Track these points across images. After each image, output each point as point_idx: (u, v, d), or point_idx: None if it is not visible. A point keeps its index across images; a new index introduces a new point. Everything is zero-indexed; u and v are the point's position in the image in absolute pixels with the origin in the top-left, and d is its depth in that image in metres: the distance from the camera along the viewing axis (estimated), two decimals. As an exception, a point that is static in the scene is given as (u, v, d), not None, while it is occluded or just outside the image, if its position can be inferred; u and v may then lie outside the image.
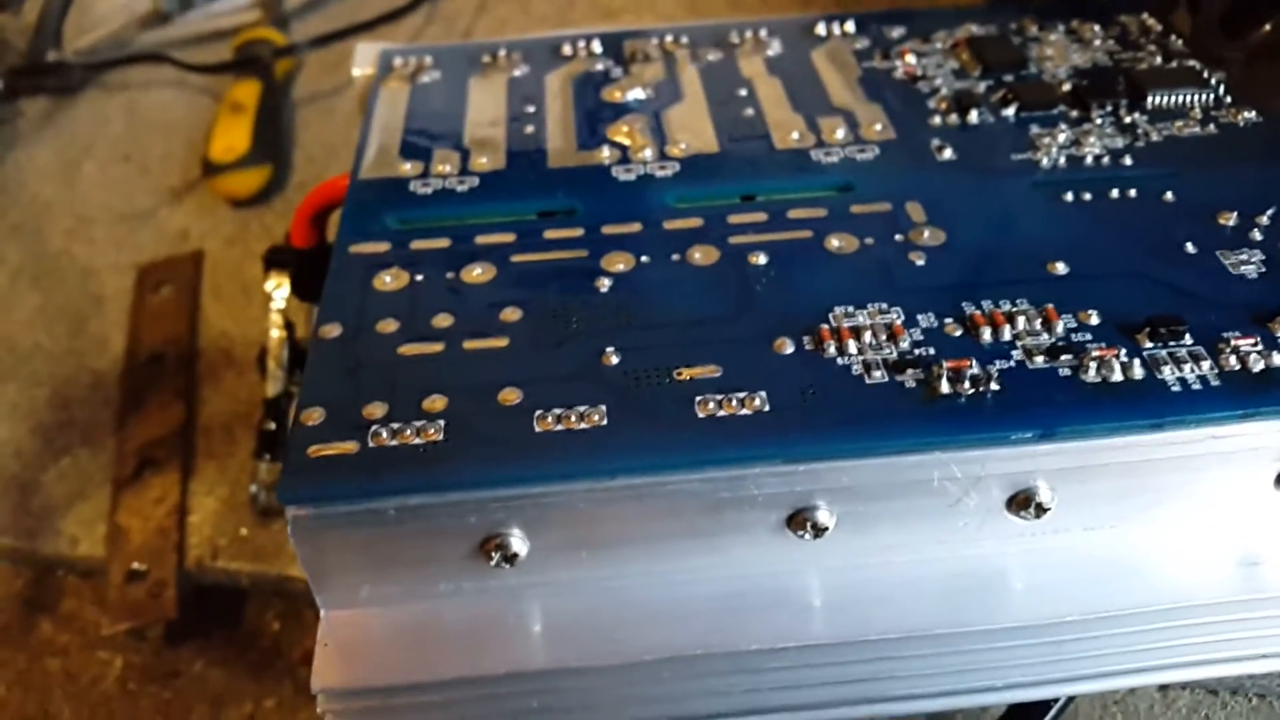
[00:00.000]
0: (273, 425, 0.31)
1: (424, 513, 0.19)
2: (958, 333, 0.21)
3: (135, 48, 0.53)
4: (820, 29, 0.33)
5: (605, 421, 0.20)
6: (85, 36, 0.54)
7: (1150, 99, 0.28)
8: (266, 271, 0.31)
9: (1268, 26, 0.38)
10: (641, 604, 0.20)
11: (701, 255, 0.24)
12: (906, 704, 0.21)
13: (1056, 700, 0.25)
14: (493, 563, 0.19)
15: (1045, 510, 0.20)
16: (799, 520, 0.20)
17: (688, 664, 0.20)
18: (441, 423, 0.20)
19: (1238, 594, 0.21)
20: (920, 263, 0.23)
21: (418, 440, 0.19)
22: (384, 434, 0.19)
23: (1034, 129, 0.27)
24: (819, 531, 0.20)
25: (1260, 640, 0.21)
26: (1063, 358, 0.20)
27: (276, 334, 0.31)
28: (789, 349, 0.21)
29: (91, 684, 0.32)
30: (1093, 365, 0.20)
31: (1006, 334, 0.21)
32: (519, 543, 0.19)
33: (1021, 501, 0.20)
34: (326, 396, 0.20)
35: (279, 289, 0.31)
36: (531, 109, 0.30)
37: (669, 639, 0.20)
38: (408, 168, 0.27)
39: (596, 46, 0.32)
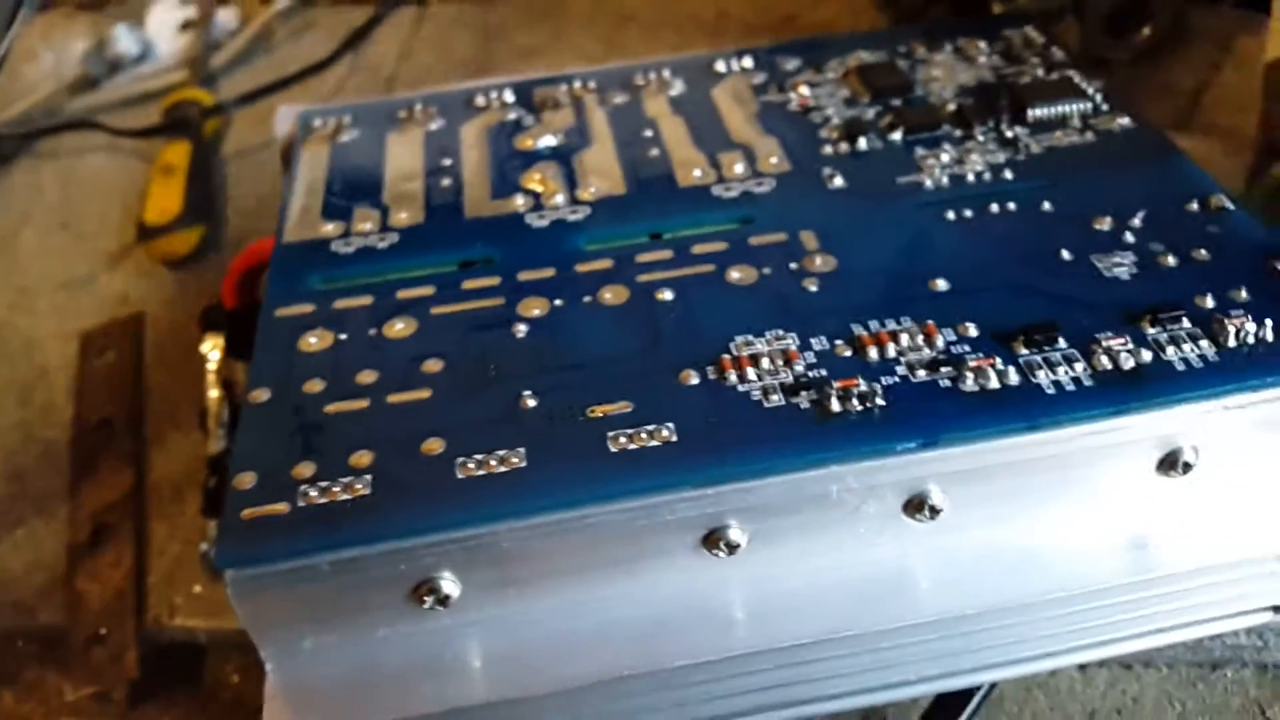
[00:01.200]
0: (215, 483, 0.32)
1: (356, 565, 0.20)
2: (847, 353, 0.22)
3: (65, 115, 0.54)
4: (720, 66, 0.34)
5: (524, 463, 0.21)
6: (14, 106, 0.54)
7: (1031, 112, 0.30)
8: (202, 333, 0.32)
9: (1147, 30, 0.40)
10: (571, 632, 0.21)
11: (612, 295, 0.25)
12: (828, 703, 0.22)
13: (979, 688, 0.26)
14: (426, 606, 0.20)
15: (938, 512, 0.21)
16: (713, 540, 0.21)
17: (618, 684, 0.21)
18: (368, 477, 0.21)
19: (1132, 576, 0.22)
20: (813, 289, 0.24)
21: (345, 496, 0.20)
22: (313, 493, 0.20)
23: (919, 151, 0.29)
24: (733, 549, 0.21)
25: (1155, 617, 0.23)
26: (942, 370, 0.22)
27: (215, 394, 0.31)
28: (694, 380, 0.22)
29: (58, 750, 0.32)
30: (970, 375, 0.21)
31: (891, 351, 0.22)
32: (450, 585, 0.20)
33: (916, 505, 0.21)
34: (257, 460, 0.21)
35: (214, 350, 0.32)
36: (448, 161, 0.31)
37: (599, 663, 0.21)
38: (330, 228, 0.28)
39: (509, 96, 0.34)
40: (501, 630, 0.21)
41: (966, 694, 0.27)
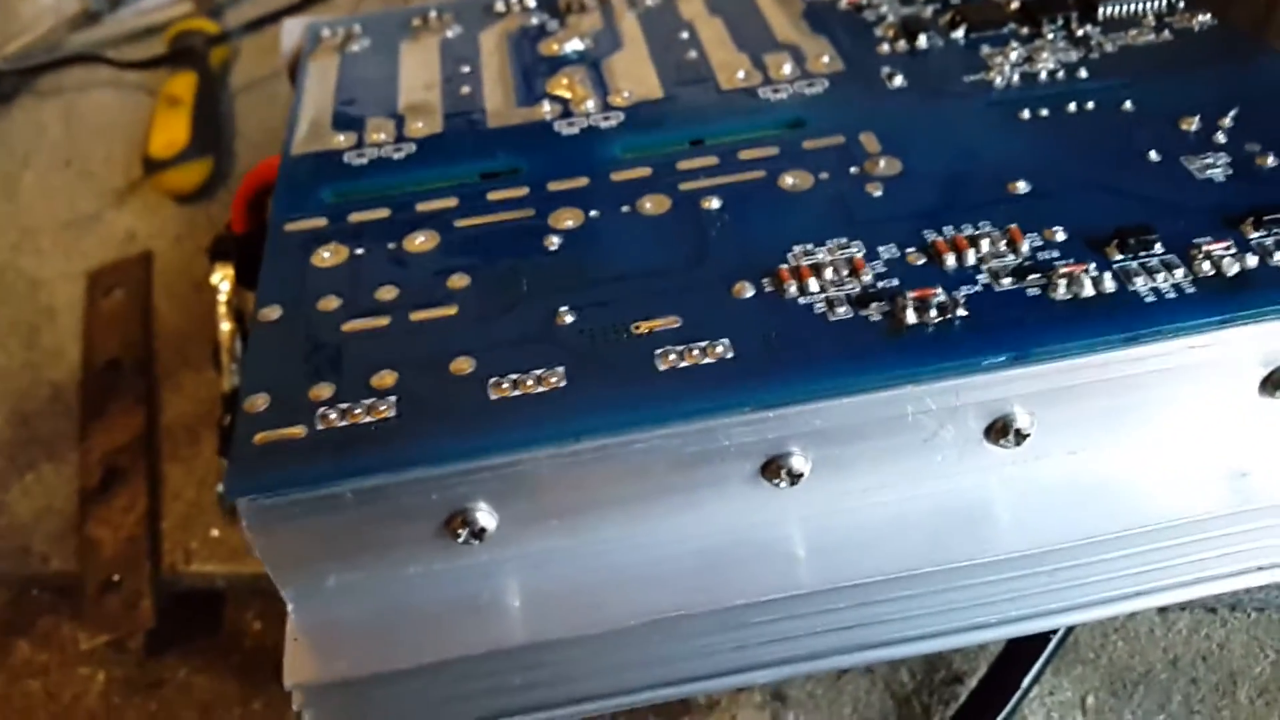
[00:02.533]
0: (230, 421, 0.30)
1: (383, 494, 0.18)
2: (921, 261, 0.20)
3: (66, 50, 0.52)
4: (759, -35, 0.32)
5: (564, 383, 0.19)
6: (13, 42, 0.52)
7: (1102, 10, 0.28)
8: (211, 264, 0.30)
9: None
10: (619, 568, 0.20)
11: (652, 205, 0.23)
12: (899, 648, 0.21)
13: (1054, 632, 0.24)
14: (460, 539, 0.19)
15: (1025, 436, 0.19)
16: (773, 468, 0.19)
17: (672, 625, 0.19)
18: (393, 399, 0.19)
19: (1230, 507, 0.20)
20: (878, 194, 0.22)
21: (368, 419, 0.18)
22: (333, 415, 0.19)
23: (985, 49, 0.27)
24: (795, 478, 0.19)
25: (1255, 552, 0.21)
26: (1030, 277, 0.20)
27: (227, 326, 0.30)
28: (749, 293, 0.20)
29: (74, 701, 0.31)
30: (1062, 283, 0.19)
31: (971, 258, 0.20)
32: (486, 516, 0.19)
33: (1000, 429, 0.19)
34: (270, 381, 0.19)
35: (224, 281, 0.30)
36: (467, 69, 0.29)
37: (650, 602, 0.19)
38: (341, 139, 0.26)
39: (530, 1, 0.31)
40: (542, 566, 0.20)
41: (1040, 640, 0.25)
